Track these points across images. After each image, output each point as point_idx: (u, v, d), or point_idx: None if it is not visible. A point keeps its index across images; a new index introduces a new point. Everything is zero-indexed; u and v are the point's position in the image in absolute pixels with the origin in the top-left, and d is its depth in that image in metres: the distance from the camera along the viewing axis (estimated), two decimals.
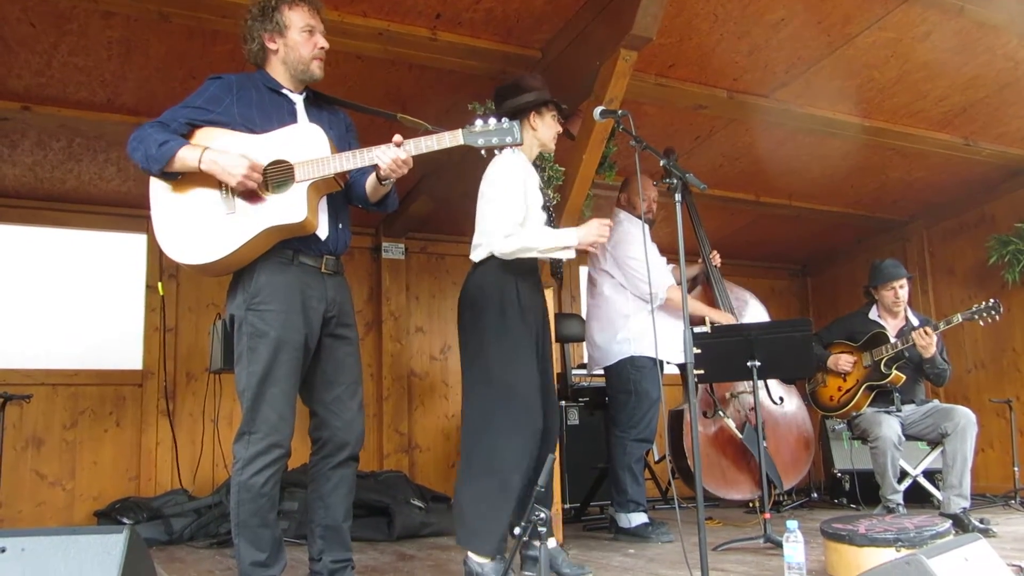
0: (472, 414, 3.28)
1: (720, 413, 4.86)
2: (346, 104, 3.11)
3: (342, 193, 2.90)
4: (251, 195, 2.66)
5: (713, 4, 4.14)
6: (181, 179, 2.69)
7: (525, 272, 3.32)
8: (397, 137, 2.72)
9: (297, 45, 2.83)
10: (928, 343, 4.74)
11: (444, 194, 5.66)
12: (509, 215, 3.21)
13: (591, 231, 3.20)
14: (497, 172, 3.32)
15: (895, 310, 5.10)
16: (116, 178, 5.50)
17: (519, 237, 3.19)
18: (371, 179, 2.84)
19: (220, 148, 2.65)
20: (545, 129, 3.46)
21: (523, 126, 3.28)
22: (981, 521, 4.37)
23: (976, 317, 4.72)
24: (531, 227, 3.26)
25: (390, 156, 2.69)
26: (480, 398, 3.25)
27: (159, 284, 5.78)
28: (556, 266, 3.44)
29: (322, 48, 2.87)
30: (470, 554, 3.16)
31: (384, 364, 6.51)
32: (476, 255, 3.38)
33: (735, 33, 4.39)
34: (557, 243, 3.22)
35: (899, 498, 4.63)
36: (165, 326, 5.84)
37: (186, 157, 2.62)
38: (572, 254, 3.29)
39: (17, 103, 4.49)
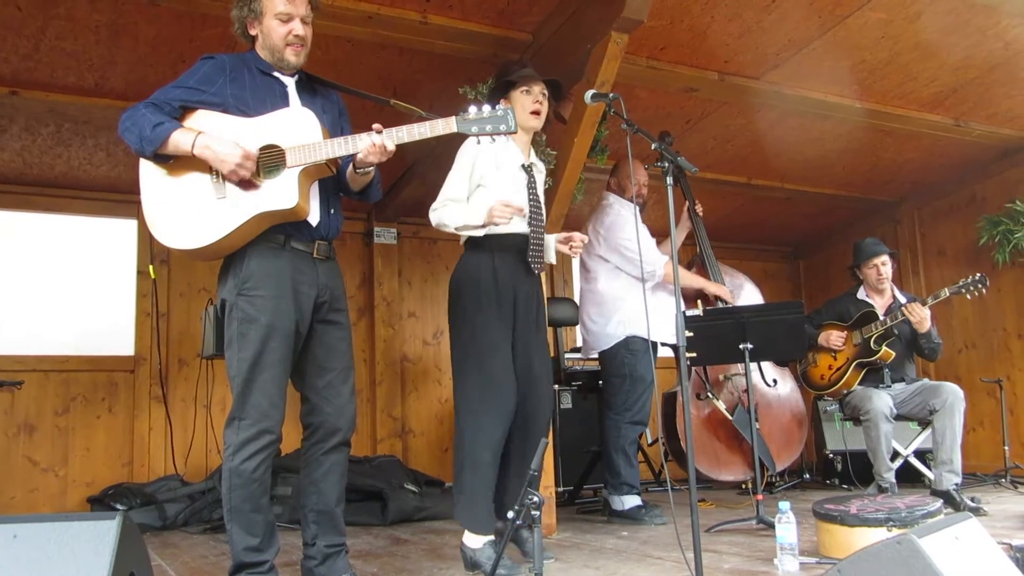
0: (454, 397, 3.43)
1: (711, 395, 4.88)
2: (339, 88, 3.08)
3: (334, 178, 2.89)
4: (243, 180, 2.65)
5: None
6: (172, 163, 2.67)
7: (504, 252, 3.34)
8: (376, 125, 2.70)
9: (271, 31, 2.78)
10: (922, 317, 4.79)
11: (436, 178, 5.57)
12: (445, 190, 3.34)
13: (494, 210, 3.18)
14: (457, 156, 3.39)
15: (880, 287, 5.15)
16: (106, 163, 5.47)
17: (439, 212, 3.32)
18: (349, 168, 2.83)
19: (214, 133, 2.63)
20: (516, 110, 3.30)
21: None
22: (972, 500, 4.40)
23: (963, 291, 4.76)
24: (453, 205, 3.33)
25: (367, 142, 2.67)
26: (456, 380, 3.40)
27: (150, 268, 5.76)
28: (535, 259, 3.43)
29: (297, 36, 2.80)
30: (464, 538, 3.23)
31: (377, 349, 6.51)
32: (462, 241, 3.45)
33: (726, 15, 4.37)
34: (466, 221, 3.27)
35: (892, 476, 4.67)
36: (157, 310, 5.83)
37: (180, 140, 2.60)
38: (479, 233, 3.32)
39: (5, 88, 4.45)
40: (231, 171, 2.59)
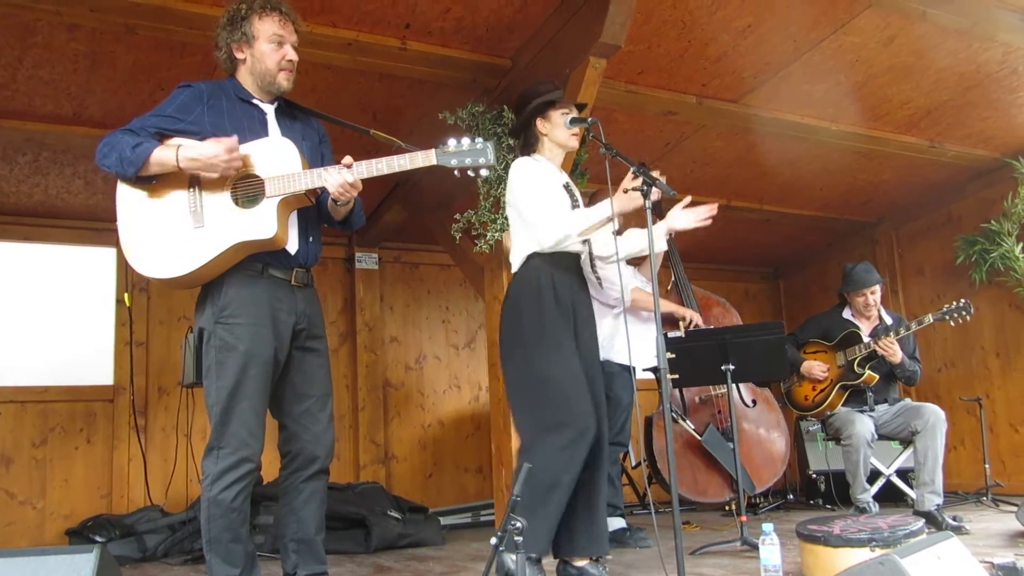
0: (518, 419, 3.26)
1: (678, 418, 4.89)
2: (319, 116, 3.09)
3: (313, 206, 2.89)
4: (221, 208, 2.63)
5: (681, 11, 4.17)
6: (150, 190, 2.66)
7: (563, 268, 3.26)
8: (347, 159, 2.70)
9: (264, 56, 2.79)
10: (892, 351, 4.82)
11: (417, 203, 5.66)
12: (546, 208, 3.18)
13: (625, 198, 3.10)
14: (516, 178, 3.30)
15: (867, 315, 5.16)
16: (84, 191, 5.45)
17: (561, 225, 3.15)
18: (329, 199, 2.82)
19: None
20: (555, 130, 3.37)
21: (535, 134, 3.36)
22: (954, 519, 4.42)
23: (947, 317, 4.78)
24: (567, 213, 3.21)
25: (336, 180, 2.66)
26: (522, 401, 3.21)
27: (125, 296, 5.72)
28: (594, 264, 3.38)
29: (290, 60, 2.83)
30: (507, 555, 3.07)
31: (359, 375, 6.48)
32: (514, 261, 3.35)
33: (703, 39, 4.42)
34: (594, 218, 3.13)
35: (868, 496, 4.69)
36: (133, 339, 5.78)
37: (162, 157, 2.59)
38: (615, 225, 3.19)
39: None
40: (224, 169, 2.58)
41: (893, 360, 4.85)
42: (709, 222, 3.21)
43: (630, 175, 3.15)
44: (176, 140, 2.67)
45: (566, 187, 3.36)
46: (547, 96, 3.42)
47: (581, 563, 3.20)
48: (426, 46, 4.20)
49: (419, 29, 4.10)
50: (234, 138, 2.62)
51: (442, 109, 4.36)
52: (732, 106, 5.14)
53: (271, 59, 2.79)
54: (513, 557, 3.06)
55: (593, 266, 3.45)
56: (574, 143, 3.42)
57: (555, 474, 3.01)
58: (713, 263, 8.16)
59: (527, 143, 3.45)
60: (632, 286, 4.64)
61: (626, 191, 3.10)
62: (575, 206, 3.33)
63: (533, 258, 3.25)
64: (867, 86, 5.06)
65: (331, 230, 3.10)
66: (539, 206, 3.20)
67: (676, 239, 5.30)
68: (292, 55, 2.84)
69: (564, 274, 3.26)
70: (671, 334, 4.52)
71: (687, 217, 3.18)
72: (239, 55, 2.82)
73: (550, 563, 3.24)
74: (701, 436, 4.81)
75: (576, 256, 3.32)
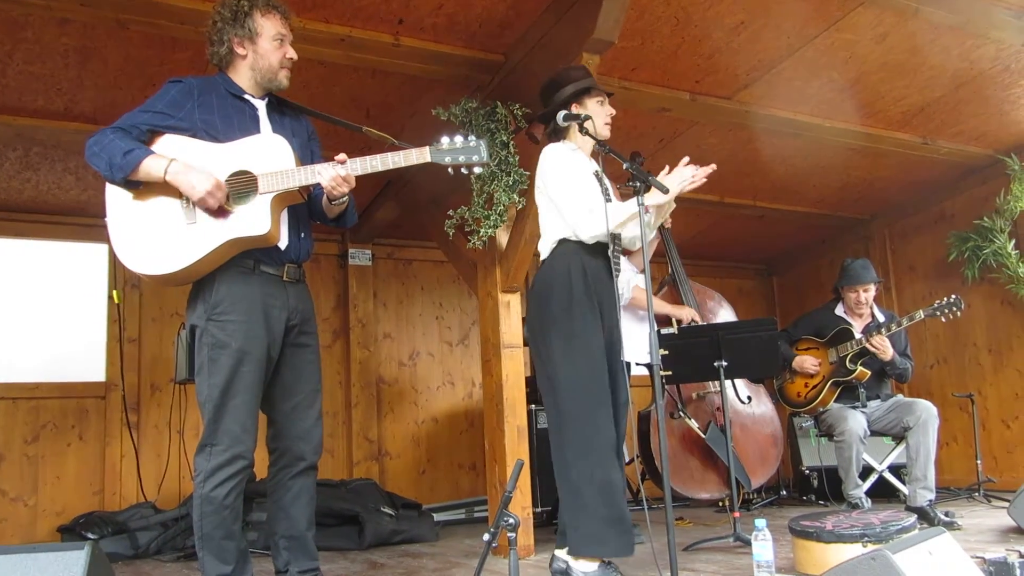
0: (546, 406, 3.28)
1: (683, 415, 4.90)
2: (311, 113, 3.09)
3: (305, 202, 2.88)
4: (211, 209, 2.63)
5: (674, 7, 4.17)
6: (142, 188, 2.65)
7: (593, 254, 3.26)
8: (341, 156, 2.71)
9: (267, 53, 2.81)
10: (883, 349, 4.83)
11: (411, 199, 5.65)
12: (580, 200, 3.17)
13: (679, 176, 3.10)
14: (550, 166, 3.29)
15: (858, 312, 5.17)
16: (75, 187, 5.42)
17: (591, 220, 3.14)
18: (324, 197, 2.83)
19: (186, 159, 2.61)
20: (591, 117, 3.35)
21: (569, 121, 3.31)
22: (946, 514, 4.43)
23: (938, 313, 4.79)
24: (598, 207, 3.17)
25: (330, 175, 2.67)
26: (554, 393, 3.22)
27: (115, 293, 5.70)
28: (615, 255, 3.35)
29: (291, 59, 2.87)
30: (576, 564, 3.11)
31: (352, 371, 6.47)
32: (543, 247, 3.36)
33: (696, 36, 4.42)
34: (627, 212, 3.11)
35: (861, 492, 4.70)
36: (124, 335, 5.76)
37: (151, 167, 2.59)
38: (649, 218, 3.17)
39: None
40: (200, 199, 2.57)
41: (884, 358, 4.87)
42: (702, 181, 3.18)
43: (666, 169, 3.14)
44: (168, 147, 2.66)
45: (596, 175, 3.30)
46: (582, 83, 3.41)
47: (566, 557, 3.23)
48: (419, 42, 4.19)
49: (412, 25, 4.09)
50: (225, 176, 2.62)
51: (435, 105, 4.35)
52: (726, 103, 5.14)
53: (274, 57, 2.82)
54: (564, 556, 3.10)
55: (615, 251, 3.43)
56: (606, 132, 3.40)
57: (579, 470, 3.07)
58: (707, 259, 8.17)
59: (557, 130, 3.43)
60: (633, 283, 4.64)
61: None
62: (606, 197, 3.28)
63: (563, 243, 3.28)
64: (860, 83, 5.06)
65: (323, 226, 3.10)
66: (575, 199, 3.19)
67: (672, 233, 5.31)
68: (292, 53, 2.89)
69: (593, 259, 3.26)
70: (664, 331, 4.53)
71: (673, 180, 3.11)
72: (240, 50, 2.82)
73: (543, 558, 3.24)
74: (704, 434, 4.81)
75: (602, 244, 3.29)
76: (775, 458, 5.19)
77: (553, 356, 3.21)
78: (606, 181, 3.35)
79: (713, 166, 3.22)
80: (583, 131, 3.23)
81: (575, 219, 3.20)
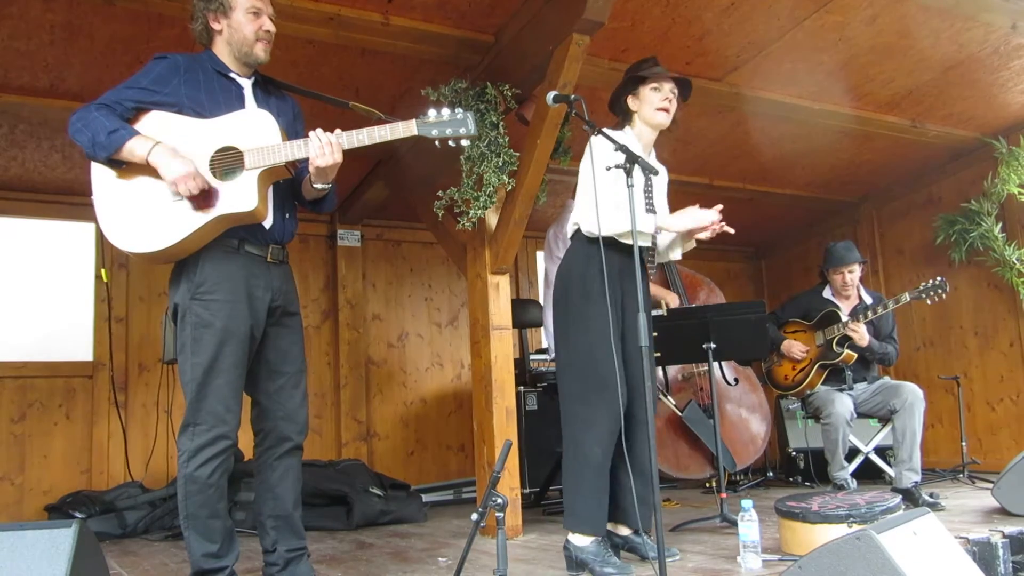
0: (562, 393, 3.33)
1: (662, 395, 4.93)
2: (297, 90, 3.06)
3: (289, 182, 2.86)
4: (192, 195, 2.60)
5: None
6: (125, 167, 2.63)
7: (616, 250, 3.25)
8: (316, 130, 2.69)
9: (241, 26, 2.76)
10: (859, 335, 4.87)
11: (400, 180, 5.62)
12: (609, 195, 3.15)
13: (687, 217, 3.23)
14: (591, 154, 3.25)
15: (845, 294, 5.20)
16: (62, 165, 5.38)
17: (616, 220, 3.14)
18: (306, 179, 2.81)
19: (172, 141, 2.59)
20: (644, 106, 3.36)
21: (626, 111, 3.40)
22: (931, 495, 4.47)
23: (923, 296, 4.82)
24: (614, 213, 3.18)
25: (315, 144, 2.65)
26: (564, 376, 3.31)
27: (103, 271, 5.67)
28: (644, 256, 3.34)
29: (267, 31, 2.80)
30: (569, 537, 3.17)
31: (341, 352, 6.47)
32: (570, 227, 3.41)
33: (687, 17, 4.40)
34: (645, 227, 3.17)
35: (846, 474, 4.75)
36: (111, 314, 5.73)
37: (135, 148, 2.56)
38: (647, 241, 3.24)
39: None
40: (172, 181, 2.54)
41: (860, 343, 4.91)
42: (714, 234, 3.31)
43: (696, 207, 3.25)
44: (153, 124, 2.64)
45: (642, 164, 3.07)
46: (638, 71, 3.41)
47: (626, 532, 3.39)
48: (409, 21, 4.16)
49: (402, 4, 4.06)
50: (202, 176, 2.59)
51: (424, 85, 4.33)
52: (716, 85, 5.13)
53: (248, 28, 2.76)
54: (575, 538, 3.14)
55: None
56: (660, 118, 3.38)
57: (585, 450, 3.12)
58: (695, 243, 8.17)
59: (622, 120, 3.47)
60: None
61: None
62: (648, 184, 3.27)
63: (581, 232, 3.31)
64: (850, 65, 5.06)
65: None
66: (609, 192, 3.15)
67: None
68: (269, 25, 2.81)
69: (615, 251, 3.25)
70: (654, 312, 4.55)
71: (687, 216, 3.28)
72: (215, 25, 2.78)
73: (547, 540, 3.26)
74: (682, 412, 4.84)
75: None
76: (762, 440, 5.23)
77: (558, 337, 3.34)
78: (656, 167, 3.32)
79: (731, 230, 3.32)
80: (572, 113, 3.19)
81: (579, 215, 3.28)
